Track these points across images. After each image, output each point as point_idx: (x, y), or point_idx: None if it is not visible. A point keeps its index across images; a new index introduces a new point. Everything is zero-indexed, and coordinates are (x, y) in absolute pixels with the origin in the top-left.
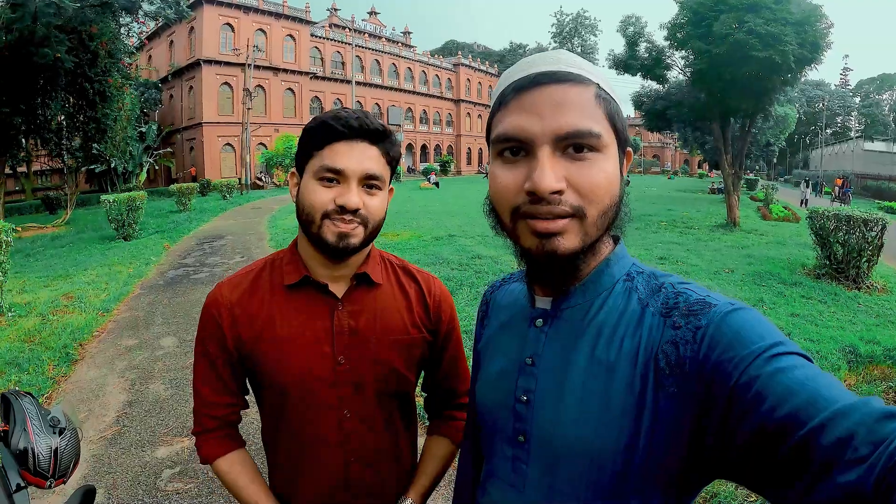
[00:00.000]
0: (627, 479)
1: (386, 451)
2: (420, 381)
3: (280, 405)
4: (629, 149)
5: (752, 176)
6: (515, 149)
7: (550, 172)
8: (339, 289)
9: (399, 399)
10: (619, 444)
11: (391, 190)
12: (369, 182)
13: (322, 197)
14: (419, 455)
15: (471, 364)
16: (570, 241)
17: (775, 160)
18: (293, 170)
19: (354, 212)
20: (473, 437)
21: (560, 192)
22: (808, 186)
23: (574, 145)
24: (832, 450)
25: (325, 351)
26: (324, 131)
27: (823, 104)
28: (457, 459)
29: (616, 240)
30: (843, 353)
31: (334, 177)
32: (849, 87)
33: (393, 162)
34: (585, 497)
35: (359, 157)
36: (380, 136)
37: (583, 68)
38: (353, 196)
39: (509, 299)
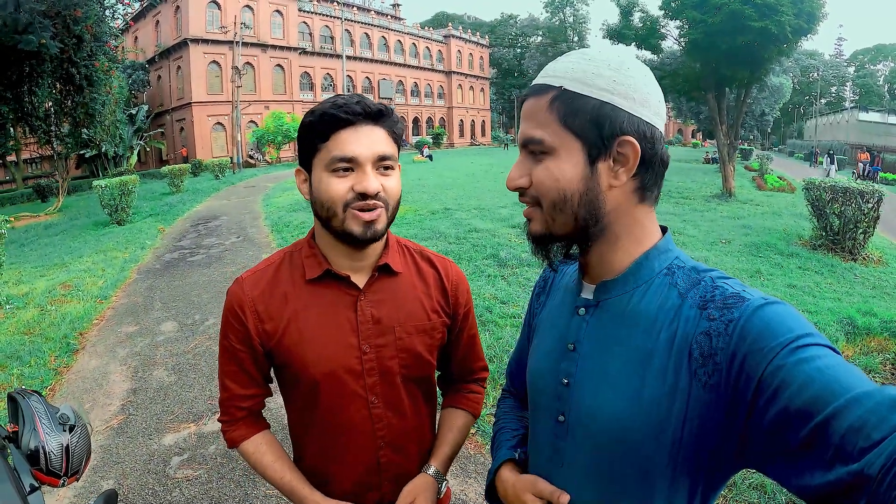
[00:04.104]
0: (658, 463)
1: (412, 434)
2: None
3: (310, 398)
4: (625, 138)
5: (746, 146)
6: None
7: (514, 172)
8: (360, 279)
9: (422, 382)
10: (651, 429)
11: (398, 166)
12: (383, 163)
13: (340, 188)
14: (437, 427)
15: (519, 334)
16: (535, 225)
17: (770, 130)
18: (298, 167)
19: (375, 196)
20: (514, 400)
21: (524, 187)
22: (832, 162)
23: (531, 150)
24: (845, 436)
25: (351, 342)
26: (326, 121)
27: (818, 74)
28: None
29: (664, 231)
30: (841, 324)
31: (348, 165)
32: (843, 57)
33: (398, 139)
34: (618, 477)
35: (367, 140)
36: (382, 116)
37: (554, 74)
38: (372, 181)
39: (565, 282)
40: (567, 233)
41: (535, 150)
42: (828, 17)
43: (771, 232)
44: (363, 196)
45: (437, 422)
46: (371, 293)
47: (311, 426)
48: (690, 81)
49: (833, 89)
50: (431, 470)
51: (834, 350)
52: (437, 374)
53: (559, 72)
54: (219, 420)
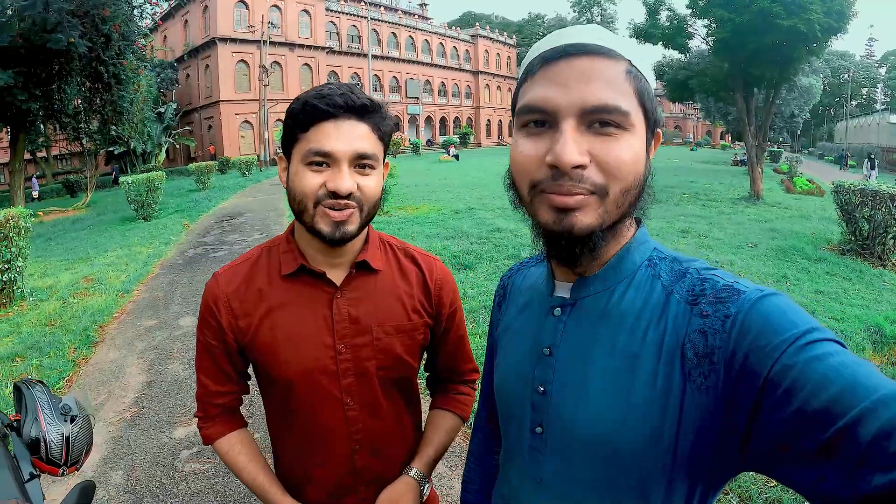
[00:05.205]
0: (651, 473)
1: (391, 437)
2: (422, 361)
3: (284, 396)
4: (658, 130)
5: (775, 148)
6: (540, 121)
7: (573, 146)
8: (337, 276)
9: (402, 384)
10: (642, 438)
11: (386, 165)
12: (361, 162)
13: (312, 183)
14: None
15: (484, 348)
16: (588, 217)
17: (799, 132)
18: (280, 154)
19: (348, 196)
20: (488, 422)
21: (582, 167)
22: (872, 167)
23: (600, 121)
24: (873, 441)
25: (326, 341)
26: (308, 111)
27: (848, 75)
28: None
29: (639, 222)
30: (868, 332)
31: (323, 160)
32: (874, 58)
33: (385, 137)
34: (605, 490)
35: (347, 136)
36: (368, 111)
37: (615, 44)
38: (345, 180)
39: (529, 282)
40: (610, 224)
41: (609, 122)
42: (858, 16)
43: (799, 236)
44: (334, 195)
45: (420, 424)
46: (348, 291)
47: (287, 427)
48: (718, 81)
49: (864, 91)
50: (413, 472)
51: (842, 345)
52: (426, 375)
53: (617, 44)
54: (195, 416)
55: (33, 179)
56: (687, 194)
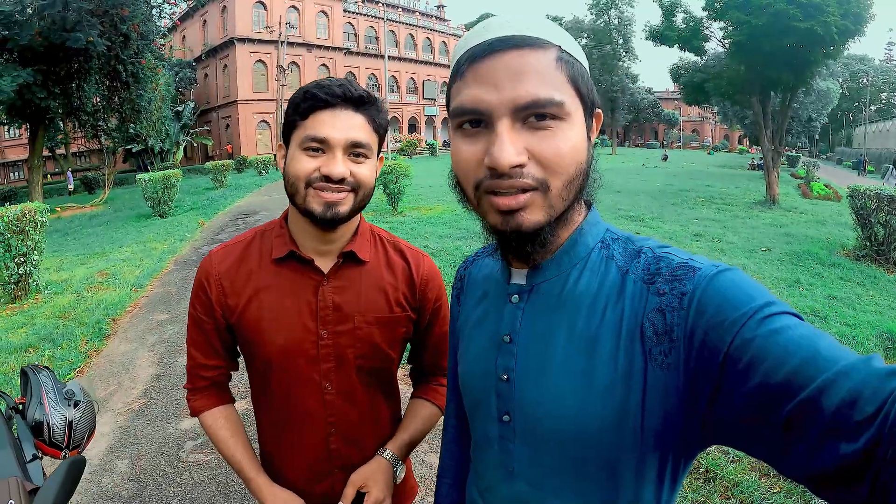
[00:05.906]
0: (620, 451)
1: (366, 425)
2: (406, 353)
3: (265, 376)
4: (598, 111)
5: (793, 153)
6: (475, 121)
7: (510, 146)
8: (325, 264)
9: (380, 374)
10: (607, 419)
11: (381, 159)
12: (355, 150)
13: (307, 166)
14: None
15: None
16: (534, 214)
17: (818, 137)
18: (280, 142)
19: (341, 181)
20: (457, 415)
21: (521, 166)
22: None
23: (535, 115)
24: (837, 411)
25: (309, 325)
26: (307, 100)
27: (867, 79)
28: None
29: (589, 205)
30: (881, 339)
31: (319, 146)
32: (894, 62)
33: (380, 129)
34: (576, 473)
35: (343, 125)
36: (364, 103)
37: (542, 30)
38: (339, 165)
39: (485, 273)
40: (557, 216)
41: (545, 115)
42: (875, 19)
43: (813, 241)
44: (328, 179)
45: (398, 414)
46: (335, 279)
47: (267, 407)
48: (734, 84)
49: (883, 96)
50: (386, 453)
51: (800, 318)
52: (410, 368)
53: (546, 29)
54: (184, 387)
55: (69, 173)
56: (702, 198)
